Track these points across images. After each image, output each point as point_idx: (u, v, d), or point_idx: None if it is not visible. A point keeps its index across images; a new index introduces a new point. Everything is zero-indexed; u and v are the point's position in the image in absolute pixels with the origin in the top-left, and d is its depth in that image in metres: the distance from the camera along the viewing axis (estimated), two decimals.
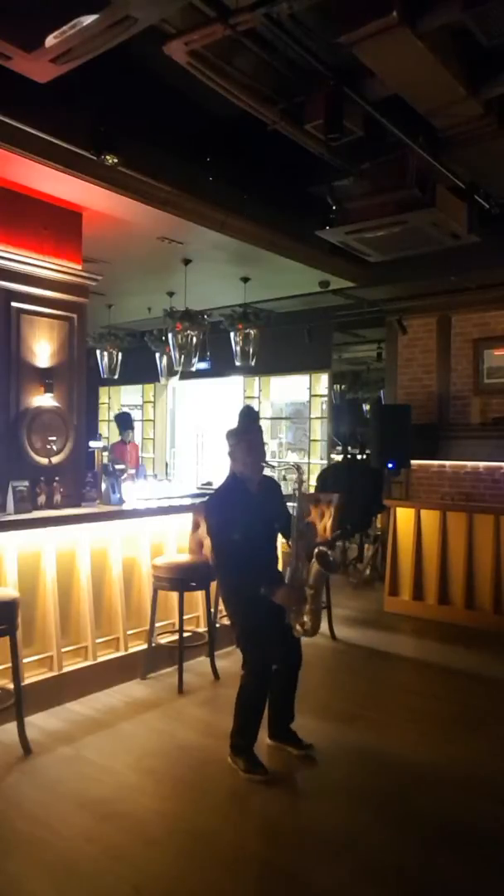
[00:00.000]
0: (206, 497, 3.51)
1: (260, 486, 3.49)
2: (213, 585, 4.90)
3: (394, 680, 4.84)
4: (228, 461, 3.52)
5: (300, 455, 10.52)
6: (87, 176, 4.27)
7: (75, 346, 4.97)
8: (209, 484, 7.08)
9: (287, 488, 9.91)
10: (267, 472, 3.59)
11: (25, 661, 4.03)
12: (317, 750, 3.53)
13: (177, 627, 4.58)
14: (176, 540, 5.17)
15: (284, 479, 10.23)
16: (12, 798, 3.15)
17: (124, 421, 8.84)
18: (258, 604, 3.31)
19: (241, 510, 3.35)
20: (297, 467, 3.54)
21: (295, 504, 3.51)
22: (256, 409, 8.66)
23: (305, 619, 3.28)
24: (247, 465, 3.42)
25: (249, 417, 3.65)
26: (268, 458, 3.66)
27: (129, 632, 4.76)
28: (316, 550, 3.31)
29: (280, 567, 3.68)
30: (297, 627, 3.30)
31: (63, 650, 4.31)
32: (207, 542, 4.75)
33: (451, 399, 7.59)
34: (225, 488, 3.52)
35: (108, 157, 4.05)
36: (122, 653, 4.66)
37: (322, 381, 9.70)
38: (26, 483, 4.33)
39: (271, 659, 3.37)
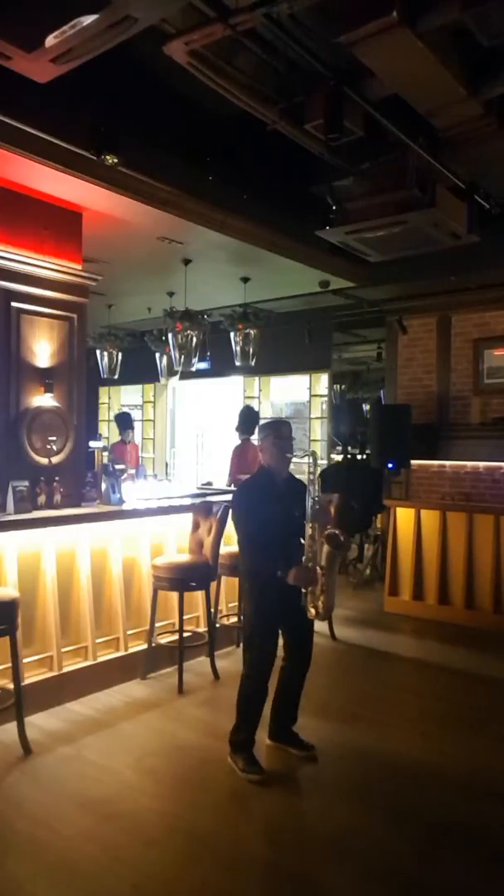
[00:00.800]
0: (234, 490, 3.62)
1: (287, 484, 3.56)
2: (213, 585, 4.90)
3: (394, 680, 4.84)
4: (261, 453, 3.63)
5: (300, 455, 10.50)
6: (87, 176, 4.27)
7: (75, 346, 4.97)
8: (209, 484, 7.08)
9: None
10: (297, 475, 3.70)
11: (25, 661, 4.03)
12: (318, 750, 3.53)
13: (177, 627, 4.58)
14: (176, 540, 5.17)
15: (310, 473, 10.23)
16: (12, 798, 3.15)
17: (124, 421, 8.83)
18: (271, 597, 3.35)
19: (267, 500, 3.43)
20: (313, 453, 3.61)
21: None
22: (256, 409, 8.65)
23: (319, 601, 3.35)
24: (275, 457, 3.51)
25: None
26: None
27: (129, 632, 4.76)
28: (326, 532, 3.37)
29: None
30: (311, 610, 3.36)
31: (63, 650, 4.31)
32: (207, 542, 4.75)
33: (451, 399, 7.58)
34: (253, 479, 3.65)
35: (108, 157, 4.05)
36: (122, 653, 4.66)
37: (322, 381, 9.70)
38: (26, 483, 4.33)
39: (271, 652, 3.40)
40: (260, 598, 3.42)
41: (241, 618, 3.70)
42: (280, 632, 3.48)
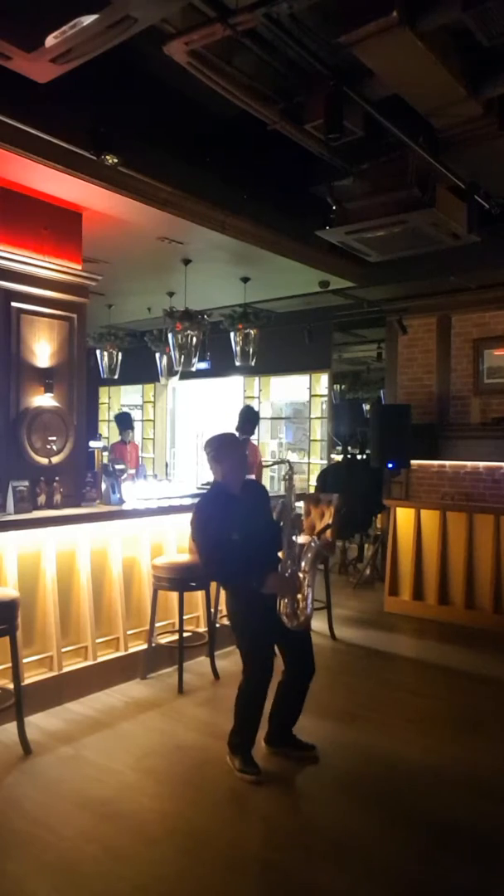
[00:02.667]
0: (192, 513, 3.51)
1: (244, 491, 3.49)
2: (213, 585, 4.90)
3: (394, 680, 4.84)
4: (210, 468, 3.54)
5: (300, 455, 10.52)
6: (87, 176, 4.27)
7: (75, 346, 4.97)
8: (209, 484, 7.07)
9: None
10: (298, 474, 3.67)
11: (25, 661, 4.03)
12: (318, 750, 3.53)
13: (177, 627, 4.58)
14: (176, 540, 5.17)
15: (285, 478, 10.23)
16: (12, 798, 3.15)
17: (124, 421, 8.84)
18: (256, 605, 3.30)
19: (225, 518, 3.33)
20: (288, 462, 3.54)
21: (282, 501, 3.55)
22: (256, 409, 8.65)
23: (300, 610, 3.29)
24: (235, 473, 3.46)
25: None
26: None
27: (129, 632, 4.76)
28: (308, 539, 3.36)
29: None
30: (285, 619, 3.29)
31: (63, 650, 4.31)
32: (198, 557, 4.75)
33: (451, 399, 7.58)
34: (207, 498, 3.54)
35: (108, 157, 4.05)
36: (122, 653, 4.66)
37: (322, 381, 9.70)
38: (26, 483, 4.33)
39: (270, 661, 3.36)
40: (246, 608, 3.36)
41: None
42: (277, 643, 3.42)
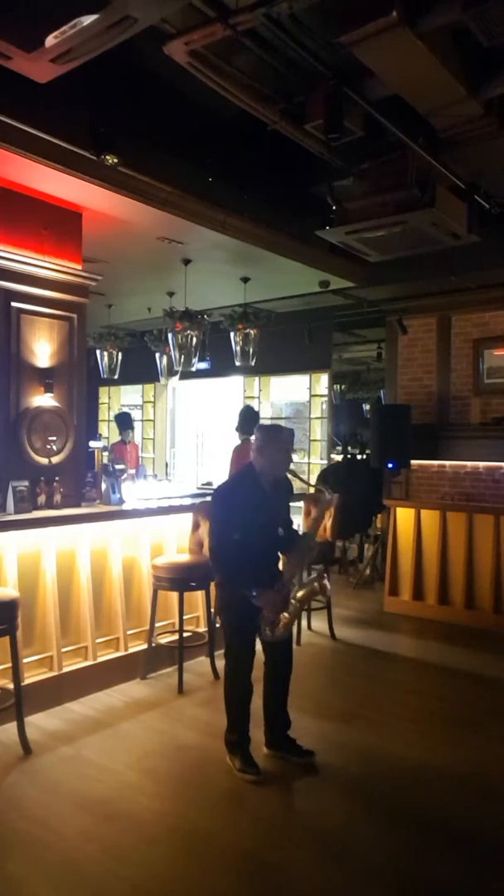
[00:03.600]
0: (213, 491, 3.53)
1: (273, 485, 3.45)
2: (213, 585, 4.90)
3: (394, 680, 4.84)
4: (252, 454, 3.47)
5: (300, 455, 10.52)
6: (87, 176, 4.27)
7: (75, 346, 4.97)
8: (209, 484, 7.08)
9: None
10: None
11: (25, 661, 4.03)
12: (316, 757, 3.50)
13: (177, 627, 4.58)
14: (176, 540, 5.17)
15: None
16: (12, 798, 3.15)
17: (124, 421, 8.84)
18: (238, 599, 3.32)
19: (249, 506, 3.32)
20: (322, 491, 3.57)
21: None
22: (256, 409, 8.65)
23: (278, 627, 3.32)
24: (275, 464, 3.39)
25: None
26: None
27: (129, 632, 4.76)
28: (321, 581, 3.37)
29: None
30: (267, 632, 3.33)
31: (63, 650, 4.31)
32: (208, 542, 4.75)
33: (451, 399, 7.58)
34: (236, 481, 3.55)
35: (108, 157, 4.04)
36: (122, 653, 4.67)
37: (322, 381, 9.70)
38: (26, 483, 4.33)
39: (245, 654, 3.38)
40: (236, 606, 3.37)
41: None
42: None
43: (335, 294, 7.51)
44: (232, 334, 7.01)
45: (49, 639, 4.28)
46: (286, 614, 3.30)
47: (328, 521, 5.70)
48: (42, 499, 4.46)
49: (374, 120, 3.84)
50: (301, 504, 5.84)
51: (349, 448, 8.81)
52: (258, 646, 3.45)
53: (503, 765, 3.58)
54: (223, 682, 3.47)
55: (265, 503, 3.37)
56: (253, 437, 3.50)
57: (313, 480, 9.22)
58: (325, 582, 3.37)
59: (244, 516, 3.29)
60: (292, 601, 3.31)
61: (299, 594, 3.31)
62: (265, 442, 3.40)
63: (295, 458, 10.66)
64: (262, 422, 3.48)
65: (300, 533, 3.60)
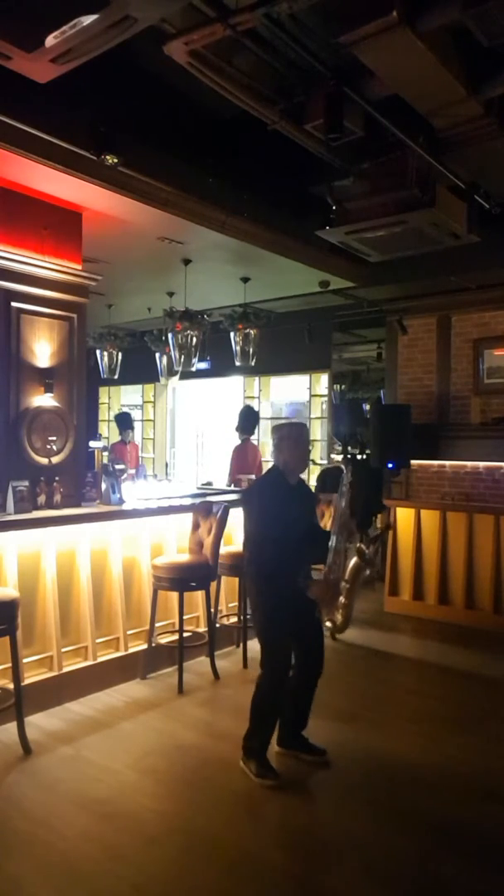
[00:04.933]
0: (241, 494, 3.57)
1: (298, 484, 3.54)
2: (213, 585, 4.90)
3: (394, 680, 4.84)
4: (274, 453, 3.56)
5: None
6: (87, 176, 4.27)
7: (75, 346, 4.97)
8: (209, 484, 7.08)
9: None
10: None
11: (25, 661, 4.03)
12: (329, 756, 3.49)
13: (177, 627, 4.58)
14: (176, 540, 5.17)
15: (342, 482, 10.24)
16: (12, 798, 3.15)
17: (124, 421, 8.84)
18: (284, 604, 3.30)
19: (283, 502, 3.38)
20: (344, 465, 3.60)
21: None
22: (256, 409, 8.65)
23: (339, 614, 3.32)
24: (293, 457, 3.46)
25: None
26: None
27: (129, 632, 4.76)
28: (357, 546, 3.35)
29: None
30: (328, 623, 3.32)
31: (63, 650, 4.31)
32: (208, 542, 4.75)
33: (451, 399, 7.58)
34: (267, 480, 3.59)
35: (108, 157, 4.04)
36: (122, 653, 4.67)
37: (322, 381, 9.70)
38: (26, 483, 4.33)
39: (285, 654, 3.37)
40: (273, 607, 3.34)
41: (248, 620, 3.67)
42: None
43: (335, 294, 7.52)
44: (232, 334, 7.01)
45: (49, 639, 4.28)
46: (342, 598, 3.31)
47: (328, 521, 5.69)
48: (42, 499, 4.46)
49: (374, 120, 3.84)
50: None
51: (349, 448, 8.80)
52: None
53: (503, 765, 3.58)
54: (256, 687, 3.37)
55: (294, 499, 3.44)
56: (271, 437, 3.58)
57: (313, 481, 9.24)
58: (362, 546, 3.37)
59: (279, 511, 3.34)
60: (343, 583, 3.31)
61: (347, 575, 3.32)
62: (283, 439, 3.50)
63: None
64: (261, 422, 3.50)
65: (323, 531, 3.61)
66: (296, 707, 3.52)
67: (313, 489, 8.94)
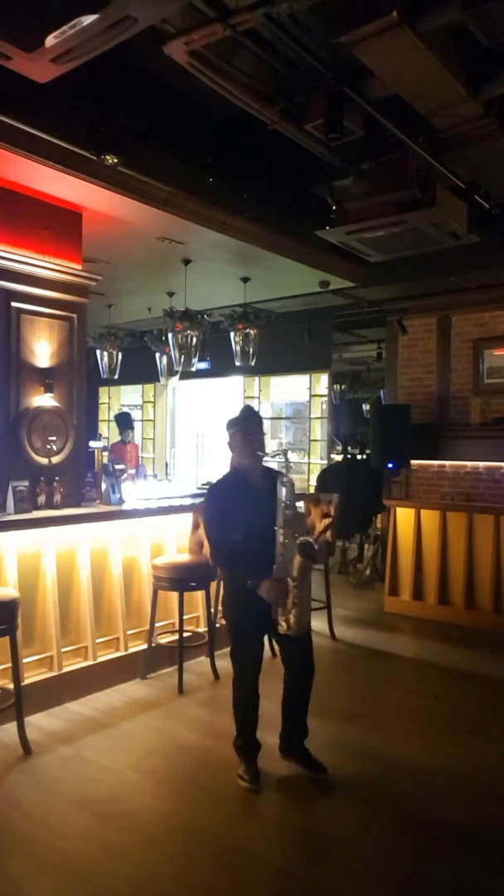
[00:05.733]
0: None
1: (263, 480, 3.36)
2: (213, 585, 4.90)
3: (394, 680, 4.84)
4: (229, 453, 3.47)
5: (300, 455, 10.52)
6: (87, 176, 4.27)
7: (75, 346, 4.97)
8: (209, 484, 7.06)
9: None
10: (272, 464, 3.57)
11: (25, 661, 4.03)
12: (315, 748, 3.47)
13: (177, 627, 4.58)
14: (176, 540, 5.17)
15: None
16: (12, 798, 3.15)
17: (124, 421, 8.84)
18: (249, 599, 3.21)
19: (238, 503, 3.25)
20: (285, 453, 3.47)
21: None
22: (256, 409, 8.64)
23: (291, 615, 3.17)
24: (243, 454, 3.34)
25: (248, 413, 3.59)
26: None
27: (129, 632, 4.76)
28: (300, 540, 3.18)
29: None
30: (282, 623, 3.20)
31: (63, 650, 4.31)
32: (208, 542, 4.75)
33: (451, 399, 7.58)
34: (221, 481, 3.45)
35: (108, 157, 4.04)
36: (122, 653, 4.67)
37: (322, 381, 9.71)
38: (26, 483, 4.33)
39: (251, 654, 3.30)
40: (238, 606, 3.30)
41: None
42: (275, 642, 3.38)
43: (335, 294, 7.52)
44: (232, 334, 7.01)
45: (49, 639, 4.28)
46: (291, 599, 3.17)
47: (328, 521, 5.69)
48: (42, 499, 4.46)
49: (374, 120, 3.84)
50: (301, 504, 5.83)
51: (349, 448, 8.81)
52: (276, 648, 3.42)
53: (503, 765, 3.58)
54: (232, 684, 3.40)
55: (253, 498, 3.27)
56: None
57: (313, 480, 9.24)
58: (307, 540, 3.16)
59: (232, 511, 3.24)
60: (290, 581, 3.16)
61: (293, 571, 3.17)
62: (229, 435, 3.39)
63: (295, 457, 10.68)
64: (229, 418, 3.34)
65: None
66: (290, 715, 3.43)
67: (313, 489, 8.97)
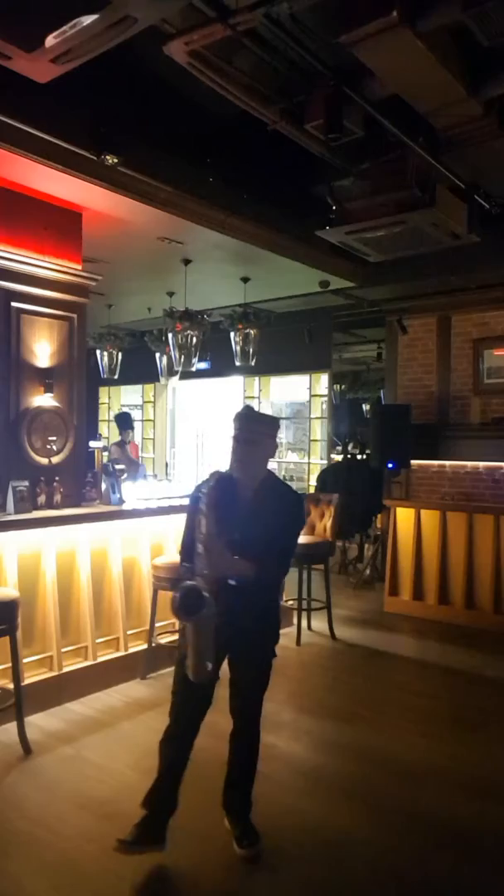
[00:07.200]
0: None
1: (259, 491, 2.78)
2: None
3: (394, 680, 4.84)
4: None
5: (300, 455, 10.52)
6: (87, 176, 4.27)
7: (75, 346, 4.96)
8: None
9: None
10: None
11: (25, 661, 4.03)
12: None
13: (177, 627, 4.58)
14: (176, 540, 5.16)
15: (291, 479, 10.22)
16: (12, 798, 3.15)
17: (124, 421, 8.84)
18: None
19: (206, 504, 2.66)
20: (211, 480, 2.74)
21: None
22: (256, 409, 8.64)
23: (188, 657, 2.57)
24: (231, 461, 2.82)
25: (241, 411, 3.02)
26: None
27: (129, 632, 4.76)
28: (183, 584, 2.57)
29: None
30: (187, 664, 2.59)
31: (63, 650, 4.31)
32: None
33: (451, 399, 7.58)
34: (207, 484, 2.76)
35: (108, 157, 4.04)
36: (122, 653, 4.67)
37: (322, 381, 9.70)
38: (26, 483, 4.33)
39: (180, 694, 2.76)
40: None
41: None
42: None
43: (335, 294, 7.52)
44: (232, 334, 7.01)
45: (49, 639, 4.28)
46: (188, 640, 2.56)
47: (328, 521, 5.70)
48: (42, 499, 4.46)
49: (374, 120, 3.84)
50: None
51: (349, 448, 8.81)
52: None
53: (503, 765, 3.58)
54: None
55: (239, 507, 2.74)
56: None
57: (313, 480, 9.23)
58: (194, 586, 2.54)
59: (191, 524, 2.79)
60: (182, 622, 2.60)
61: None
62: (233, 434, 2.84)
63: (295, 457, 10.68)
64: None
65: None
66: (228, 780, 2.94)
67: (313, 489, 8.97)
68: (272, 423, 2.93)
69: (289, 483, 3.15)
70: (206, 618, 2.51)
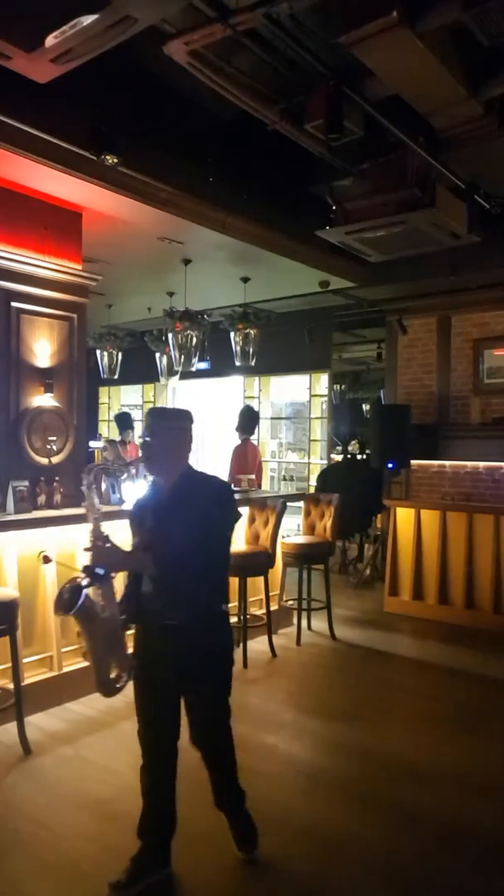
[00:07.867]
0: None
1: (175, 492, 2.60)
2: None
3: (394, 680, 4.84)
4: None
5: (300, 455, 10.52)
6: (87, 176, 4.27)
7: (75, 346, 4.96)
8: None
9: (291, 488, 9.92)
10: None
11: (25, 661, 4.03)
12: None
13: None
14: None
15: (291, 479, 10.21)
16: (12, 798, 3.15)
17: (124, 421, 8.84)
18: (145, 643, 2.73)
19: (139, 519, 2.68)
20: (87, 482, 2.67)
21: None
22: (256, 409, 8.65)
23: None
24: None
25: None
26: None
27: (130, 632, 4.75)
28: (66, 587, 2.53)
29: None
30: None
31: (63, 650, 4.31)
32: None
33: (451, 399, 7.59)
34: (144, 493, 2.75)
35: (108, 157, 4.04)
36: None
37: (322, 381, 9.71)
38: (26, 483, 4.33)
39: (153, 729, 2.69)
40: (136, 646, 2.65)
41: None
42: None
43: (335, 294, 7.52)
44: (232, 334, 7.01)
45: (49, 639, 4.28)
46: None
47: (328, 521, 5.69)
48: (42, 499, 4.46)
49: (374, 120, 3.84)
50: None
51: (349, 448, 8.81)
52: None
53: (503, 765, 3.58)
54: None
55: (155, 510, 2.65)
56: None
57: (313, 480, 9.23)
58: (77, 583, 2.55)
59: (135, 528, 2.73)
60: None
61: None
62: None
63: (295, 457, 10.68)
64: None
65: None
66: (215, 788, 2.83)
67: (313, 489, 8.96)
68: (174, 415, 2.75)
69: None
70: (90, 617, 2.48)
